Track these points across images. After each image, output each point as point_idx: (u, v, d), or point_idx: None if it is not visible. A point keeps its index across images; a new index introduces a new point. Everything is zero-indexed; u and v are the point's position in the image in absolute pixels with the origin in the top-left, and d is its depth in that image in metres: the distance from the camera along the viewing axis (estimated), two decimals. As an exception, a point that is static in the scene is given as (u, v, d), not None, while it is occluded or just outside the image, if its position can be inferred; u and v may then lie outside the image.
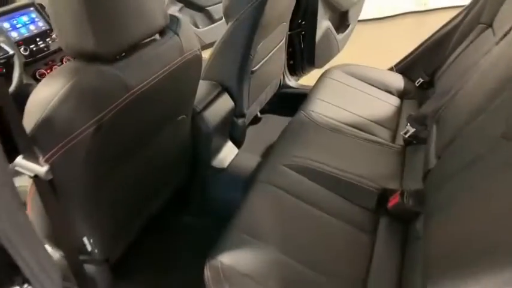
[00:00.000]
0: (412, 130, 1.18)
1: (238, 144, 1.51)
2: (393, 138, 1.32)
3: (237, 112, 1.41)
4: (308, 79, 2.12)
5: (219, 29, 2.47)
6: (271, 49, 1.50)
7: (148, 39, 0.78)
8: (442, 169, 0.85)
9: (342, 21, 2.11)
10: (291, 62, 1.95)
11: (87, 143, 0.65)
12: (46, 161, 0.63)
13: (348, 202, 1.01)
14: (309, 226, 0.92)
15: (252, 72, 1.38)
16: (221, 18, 2.44)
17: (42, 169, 0.62)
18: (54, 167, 0.64)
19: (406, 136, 1.19)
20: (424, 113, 1.16)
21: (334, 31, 2.01)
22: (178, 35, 0.84)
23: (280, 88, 1.89)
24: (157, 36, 0.81)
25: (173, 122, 1.01)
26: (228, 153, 1.41)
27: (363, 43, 2.99)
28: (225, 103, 1.33)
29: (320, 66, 2.03)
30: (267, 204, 0.96)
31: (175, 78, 0.85)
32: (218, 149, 1.37)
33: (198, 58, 0.93)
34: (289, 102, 1.97)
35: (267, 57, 1.47)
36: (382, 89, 1.57)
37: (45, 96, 0.61)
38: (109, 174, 0.80)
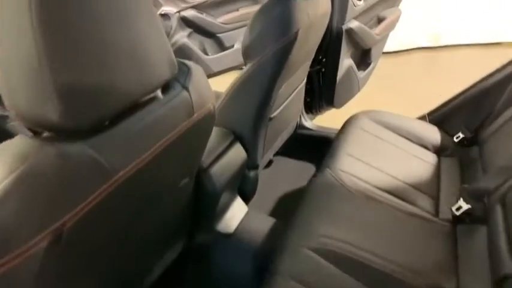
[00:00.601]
0: (466, 207, 0.96)
1: (248, 198, 1.29)
2: (436, 209, 1.10)
3: (249, 164, 1.19)
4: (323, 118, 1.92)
5: (229, 57, 2.30)
6: (292, 91, 1.30)
7: (145, 99, 0.56)
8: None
9: (363, 59, 1.93)
10: (308, 99, 1.75)
11: (39, 261, 0.43)
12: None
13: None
14: None
15: (270, 119, 1.17)
16: (232, 46, 2.27)
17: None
18: None
19: (458, 213, 0.98)
20: (483, 187, 0.95)
21: (356, 70, 1.83)
22: (187, 89, 0.62)
23: (296, 129, 1.69)
24: (158, 92, 0.59)
25: (173, 190, 0.79)
26: (235, 213, 1.18)
27: (374, 78, 2.85)
28: (236, 154, 1.11)
29: (339, 107, 1.84)
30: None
31: (180, 145, 0.64)
32: (224, 210, 1.15)
33: (212, 115, 0.72)
34: (305, 145, 1.77)
35: (287, 101, 1.27)
36: (416, 143, 1.36)
37: None
38: (79, 277, 0.57)
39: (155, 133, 0.56)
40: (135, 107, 0.53)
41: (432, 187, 1.19)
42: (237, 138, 1.12)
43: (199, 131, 0.70)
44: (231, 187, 1.13)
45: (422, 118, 1.50)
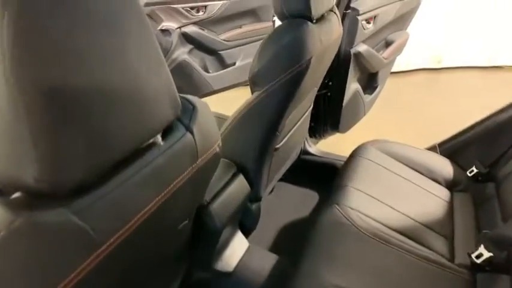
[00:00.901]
0: (487, 255, 0.89)
1: (249, 231, 1.21)
2: (451, 252, 1.03)
3: (252, 196, 1.11)
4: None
5: (230, 75, 2.23)
6: (299, 119, 1.23)
7: (142, 146, 0.48)
8: None
9: (370, 82, 1.88)
10: (312, 124, 1.68)
11: None
12: None
13: None
14: None
15: (276, 149, 1.10)
16: (233, 64, 2.21)
17: None
18: None
19: (479, 261, 0.90)
20: (508, 235, 0.88)
21: (362, 94, 1.78)
22: (192, 131, 0.54)
23: (300, 154, 1.62)
24: (158, 137, 0.50)
25: (170, 235, 0.71)
26: (236, 250, 1.10)
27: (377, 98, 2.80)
28: (239, 187, 1.03)
29: (344, 132, 1.77)
30: None
31: (181, 193, 0.56)
32: (224, 246, 1.06)
33: (217, 157, 0.64)
34: (308, 172, 1.69)
35: (293, 129, 1.20)
36: (427, 176, 1.29)
37: None
38: None
39: (153, 187, 0.48)
40: (128, 158, 0.45)
41: (446, 227, 1.11)
42: (240, 170, 1.04)
43: (202, 176, 0.62)
44: (232, 222, 1.05)
45: (432, 149, 1.43)
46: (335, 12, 1.08)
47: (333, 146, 1.86)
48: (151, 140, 0.48)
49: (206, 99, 2.17)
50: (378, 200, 1.12)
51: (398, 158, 1.33)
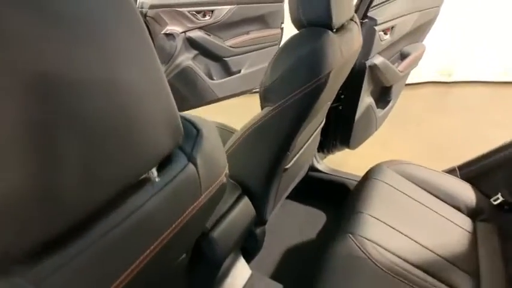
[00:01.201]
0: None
1: (251, 257, 1.10)
2: (477, 292, 0.92)
3: (257, 220, 1.01)
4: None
5: (235, 83, 2.13)
6: (310, 136, 1.13)
7: (131, 185, 0.37)
8: None
9: (383, 96, 1.78)
10: (321, 139, 1.58)
11: None
12: None
13: None
14: None
15: (285, 170, 1.00)
16: (239, 71, 2.12)
17: None
18: None
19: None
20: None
21: (375, 108, 1.68)
22: (195, 162, 0.44)
23: (307, 171, 1.51)
24: (152, 172, 0.40)
25: (166, 271, 0.61)
26: (237, 278, 0.99)
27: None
28: (243, 212, 0.92)
29: (354, 148, 1.67)
30: None
31: (179, 234, 0.46)
32: (225, 274, 0.95)
33: (224, 187, 0.54)
34: (316, 190, 1.59)
35: (304, 147, 1.10)
36: (447, 203, 1.18)
37: None
38: None
39: (143, 237, 0.37)
40: (110, 203, 0.34)
41: (470, 262, 1.01)
42: (245, 191, 0.94)
43: (205, 210, 0.51)
44: (234, 249, 0.95)
45: (451, 172, 1.33)
46: (355, 21, 0.98)
47: (337, 160, 1.76)
48: (143, 176, 0.38)
49: (208, 107, 2.08)
50: (396, 230, 1.01)
51: (416, 181, 1.22)
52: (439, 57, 3.55)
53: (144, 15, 1.77)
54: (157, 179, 0.38)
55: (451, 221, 1.12)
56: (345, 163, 1.93)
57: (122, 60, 0.31)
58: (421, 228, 1.05)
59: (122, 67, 0.31)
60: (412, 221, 1.07)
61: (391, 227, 1.01)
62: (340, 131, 1.57)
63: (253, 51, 2.14)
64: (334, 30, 0.83)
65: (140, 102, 0.33)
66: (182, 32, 1.87)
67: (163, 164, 0.40)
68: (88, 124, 0.28)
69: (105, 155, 0.30)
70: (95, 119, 0.29)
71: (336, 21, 0.81)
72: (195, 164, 0.43)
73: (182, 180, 0.41)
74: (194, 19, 1.88)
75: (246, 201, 0.93)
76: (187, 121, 0.46)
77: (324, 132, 1.55)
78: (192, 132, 0.45)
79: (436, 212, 1.12)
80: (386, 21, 1.42)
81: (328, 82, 0.80)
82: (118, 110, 0.31)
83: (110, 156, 0.31)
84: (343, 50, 0.85)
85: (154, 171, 0.39)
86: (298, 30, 0.83)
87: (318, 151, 1.65)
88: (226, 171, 0.52)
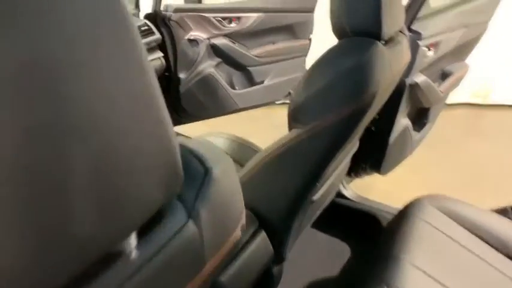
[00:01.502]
0: None
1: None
2: None
3: (274, 258, 0.86)
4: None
5: (258, 94, 2.01)
6: (340, 162, 0.98)
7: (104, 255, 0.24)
8: None
9: (420, 118, 1.61)
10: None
11: None
12: None
13: None
14: None
15: (312, 202, 0.85)
16: (262, 82, 2.00)
17: None
18: None
19: None
20: None
21: (412, 131, 1.51)
22: (198, 220, 0.30)
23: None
24: (129, 241, 0.25)
25: None
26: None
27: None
28: (259, 250, 0.78)
29: (385, 173, 1.50)
30: None
31: None
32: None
33: (238, 241, 0.40)
34: (340, 218, 1.43)
35: (333, 175, 0.95)
36: (499, 250, 1.01)
37: None
38: None
39: None
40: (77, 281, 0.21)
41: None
42: (263, 225, 0.80)
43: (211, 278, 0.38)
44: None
45: (503, 212, 1.15)
46: (404, 34, 0.84)
47: (364, 183, 1.59)
48: (114, 250, 0.24)
49: (225, 117, 1.95)
50: (440, 283, 0.85)
51: (464, 223, 1.05)
52: (474, 77, 3.33)
53: (168, 19, 1.68)
54: (134, 253, 0.25)
55: (504, 274, 0.94)
56: (373, 187, 1.76)
57: (110, 89, 0.19)
58: (469, 283, 0.88)
59: (103, 100, 0.18)
60: (459, 272, 0.90)
61: (435, 280, 0.85)
62: (372, 154, 1.41)
63: (278, 61, 2.02)
64: (383, 41, 0.68)
65: (120, 142, 0.20)
66: (206, 39, 1.77)
67: (149, 225, 0.27)
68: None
69: (85, 211, 0.18)
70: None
71: (387, 30, 0.67)
72: (198, 222, 0.30)
73: (176, 248, 0.28)
74: (220, 26, 1.78)
75: (263, 237, 0.79)
76: (192, 154, 0.32)
77: (354, 155, 1.39)
78: (198, 173, 0.31)
79: (489, 264, 0.95)
80: (432, 36, 1.26)
81: (373, 103, 0.66)
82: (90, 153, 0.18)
83: (93, 210, 0.18)
84: (392, 64, 0.71)
85: (133, 239, 0.25)
86: (338, 39, 0.70)
87: (345, 175, 1.50)
88: (243, 221, 0.38)
